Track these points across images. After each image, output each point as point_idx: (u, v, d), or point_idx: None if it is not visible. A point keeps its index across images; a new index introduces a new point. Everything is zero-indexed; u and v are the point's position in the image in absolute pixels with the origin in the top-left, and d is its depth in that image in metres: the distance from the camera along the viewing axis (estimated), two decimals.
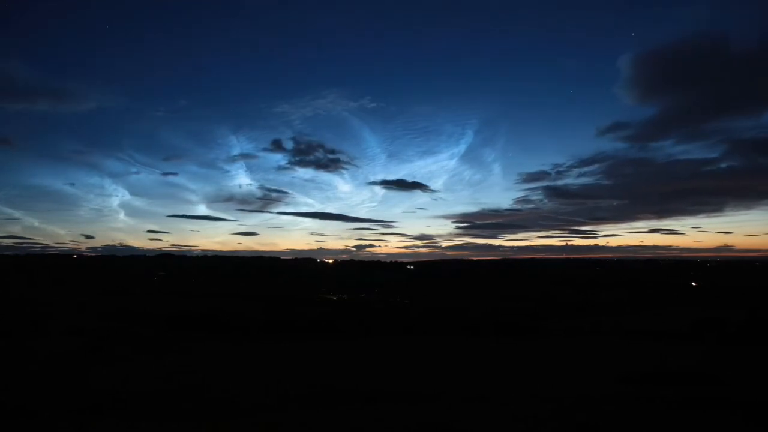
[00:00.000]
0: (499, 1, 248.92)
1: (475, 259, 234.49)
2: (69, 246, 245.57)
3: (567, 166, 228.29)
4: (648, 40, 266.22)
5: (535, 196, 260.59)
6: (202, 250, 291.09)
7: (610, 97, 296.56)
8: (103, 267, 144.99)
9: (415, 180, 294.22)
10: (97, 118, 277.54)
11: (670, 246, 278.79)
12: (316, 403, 9.97)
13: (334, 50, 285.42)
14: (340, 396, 10.98)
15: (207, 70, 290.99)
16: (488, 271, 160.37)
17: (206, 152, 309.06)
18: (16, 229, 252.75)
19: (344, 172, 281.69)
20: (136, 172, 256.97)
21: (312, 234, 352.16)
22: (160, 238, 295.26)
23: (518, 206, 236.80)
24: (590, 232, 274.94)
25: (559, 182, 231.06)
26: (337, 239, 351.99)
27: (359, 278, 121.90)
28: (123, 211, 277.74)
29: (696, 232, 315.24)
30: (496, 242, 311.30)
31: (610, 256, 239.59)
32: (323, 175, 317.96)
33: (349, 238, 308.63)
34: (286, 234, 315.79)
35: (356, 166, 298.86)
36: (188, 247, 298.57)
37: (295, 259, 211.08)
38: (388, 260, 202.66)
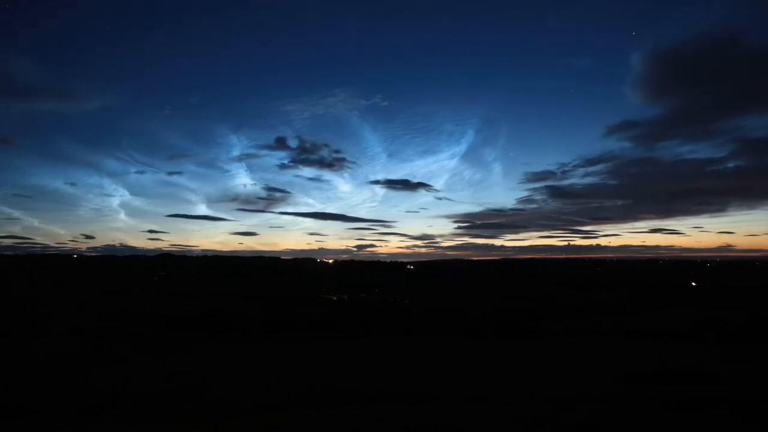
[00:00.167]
0: None
1: (475, 259, 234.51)
2: (69, 246, 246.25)
3: (572, 166, 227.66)
4: (657, 40, 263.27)
5: (538, 196, 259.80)
6: (203, 250, 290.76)
7: (617, 96, 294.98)
8: (103, 267, 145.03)
9: (416, 180, 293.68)
10: (97, 118, 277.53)
11: (671, 246, 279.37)
12: (316, 403, 9.97)
13: (334, 49, 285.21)
14: (340, 396, 10.98)
15: (206, 69, 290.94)
16: (488, 271, 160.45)
17: (206, 152, 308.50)
18: (16, 229, 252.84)
19: (344, 171, 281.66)
20: (140, 172, 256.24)
21: (312, 234, 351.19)
22: (160, 238, 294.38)
23: (521, 206, 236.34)
24: (592, 232, 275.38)
25: (564, 182, 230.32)
26: (337, 239, 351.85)
27: (359, 278, 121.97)
28: (123, 211, 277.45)
29: (698, 232, 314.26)
30: (497, 242, 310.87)
31: (611, 256, 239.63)
32: (323, 175, 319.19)
33: (350, 238, 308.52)
34: (286, 234, 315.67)
35: (356, 165, 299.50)
36: (188, 247, 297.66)
37: (296, 259, 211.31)
38: (389, 260, 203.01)
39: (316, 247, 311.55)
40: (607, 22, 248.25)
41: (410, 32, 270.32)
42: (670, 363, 17.61)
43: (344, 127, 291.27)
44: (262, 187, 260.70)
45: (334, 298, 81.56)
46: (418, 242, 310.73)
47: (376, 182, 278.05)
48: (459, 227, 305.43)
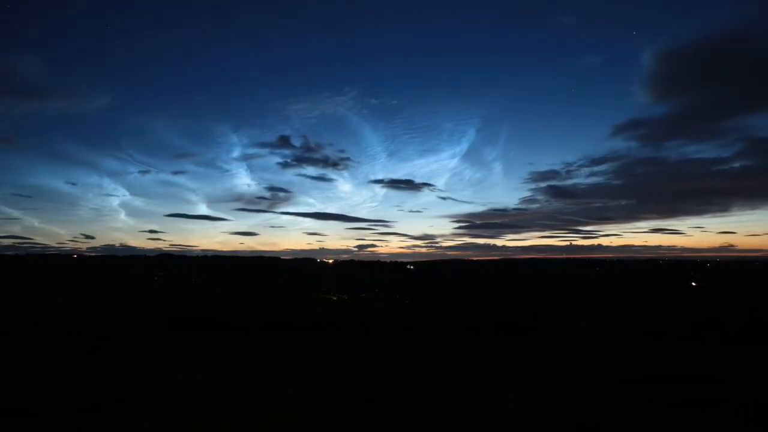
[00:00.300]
0: None
1: (475, 259, 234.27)
2: (69, 246, 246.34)
3: (578, 166, 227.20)
4: (667, 39, 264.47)
5: (541, 196, 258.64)
6: (202, 250, 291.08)
7: (625, 95, 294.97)
8: (103, 267, 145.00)
9: (417, 179, 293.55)
10: (98, 117, 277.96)
11: (672, 246, 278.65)
12: (316, 403, 9.97)
13: (335, 49, 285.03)
14: (340, 396, 10.98)
15: (206, 69, 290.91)
16: (489, 271, 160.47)
17: (206, 151, 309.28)
18: (16, 229, 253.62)
19: (345, 171, 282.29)
20: (140, 172, 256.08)
21: (312, 234, 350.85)
22: (160, 238, 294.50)
23: (524, 206, 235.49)
24: (593, 232, 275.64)
25: (568, 182, 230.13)
26: (337, 239, 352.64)
27: (359, 278, 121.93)
28: (123, 211, 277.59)
29: (699, 232, 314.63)
30: (498, 242, 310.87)
31: (611, 256, 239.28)
32: (324, 175, 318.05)
33: (350, 238, 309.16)
34: (286, 234, 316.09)
35: (357, 164, 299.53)
36: (188, 247, 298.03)
37: (296, 259, 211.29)
38: (389, 260, 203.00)
39: (317, 247, 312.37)
40: (617, 21, 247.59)
41: (411, 31, 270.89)
42: (670, 363, 17.61)
43: (344, 126, 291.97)
44: (263, 187, 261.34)
45: (334, 298, 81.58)
46: (419, 242, 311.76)
47: (377, 182, 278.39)
48: (459, 227, 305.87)
